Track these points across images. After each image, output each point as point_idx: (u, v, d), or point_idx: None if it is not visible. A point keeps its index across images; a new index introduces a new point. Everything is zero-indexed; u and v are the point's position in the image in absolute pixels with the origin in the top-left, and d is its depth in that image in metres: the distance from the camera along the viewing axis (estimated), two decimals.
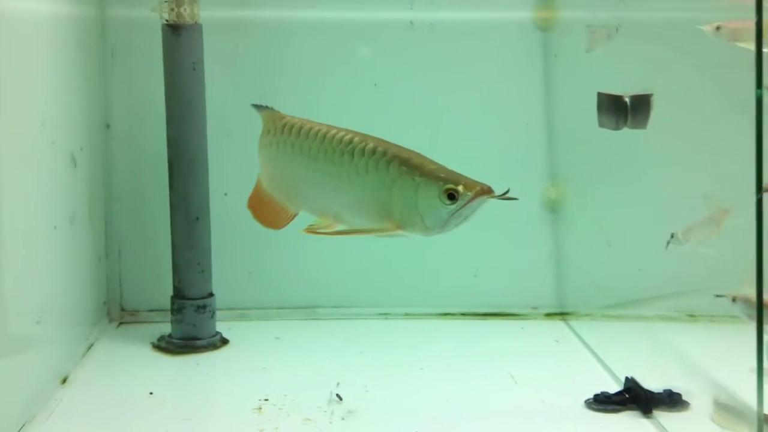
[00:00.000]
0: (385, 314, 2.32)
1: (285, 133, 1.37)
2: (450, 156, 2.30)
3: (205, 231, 2.02)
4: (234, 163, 2.18)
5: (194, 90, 1.96)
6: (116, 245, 2.24)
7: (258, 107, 1.47)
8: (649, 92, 1.59)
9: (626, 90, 1.66)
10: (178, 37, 1.94)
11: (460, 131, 2.27)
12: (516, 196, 1.21)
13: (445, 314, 2.33)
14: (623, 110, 1.60)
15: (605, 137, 1.92)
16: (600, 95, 1.62)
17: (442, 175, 1.20)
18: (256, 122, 2.27)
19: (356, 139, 1.28)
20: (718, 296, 1.37)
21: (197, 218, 1.99)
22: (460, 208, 1.18)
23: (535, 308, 2.35)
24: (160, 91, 2.00)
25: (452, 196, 1.18)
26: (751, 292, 1.24)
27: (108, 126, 2.21)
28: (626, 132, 1.76)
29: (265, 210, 1.45)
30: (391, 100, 2.27)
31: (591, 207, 2.28)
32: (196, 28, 1.96)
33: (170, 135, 1.99)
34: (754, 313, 1.26)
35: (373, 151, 1.25)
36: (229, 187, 2.19)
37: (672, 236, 1.73)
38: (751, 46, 1.19)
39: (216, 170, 2.07)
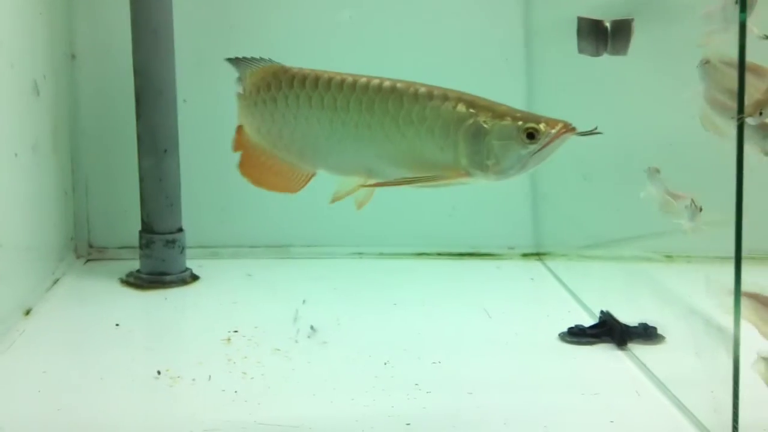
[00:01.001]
0: (360, 253, 2.29)
1: (296, 87, 1.20)
2: None
3: (174, 164, 1.96)
4: (206, 95, 2.13)
5: (161, 16, 1.89)
6: (83, 180, 2.18)
7: (252, 61, 1.26)
8: (629, 17, 1.55)
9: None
10: None
11: (439, 67, 2.22)
12: (600, 131, 1.14)
13: (421, 254, 2.30)
14: (603, 36, 1.55)
15: (584, 71, 1.88)
16: (580, 20, 1.57)
17: (518, 115, 1.12)
18: (225, 52, 2.22)
19: (399, 85, 1.15)
20: None
21: (165, 150, 1.94)
22: (542, 148, 1.11)
23: (511, 248, 2.33)
24: (127, 19, 1.93)
25: (532, 136, 1.10)
26: None
27: (73, 56, 2.13)
28: (606, 64, 1.72)
29: (271, 174, 1.29)
30: (366, 34, 2.20)
31: (569, 145, 2.23)
32: None
33: (136, 64, 1.92)
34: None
35: (430, 96, 1.14)
36: (201, 120, 2.13)
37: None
38: None
39: (187, 102, 2.01)
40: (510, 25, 2.24)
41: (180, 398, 1.35)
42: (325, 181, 2.22)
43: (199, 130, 2.13)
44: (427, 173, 1.16)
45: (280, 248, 2.26)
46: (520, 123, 1.10)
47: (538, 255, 2.30)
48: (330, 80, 1.19)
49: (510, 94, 2.19)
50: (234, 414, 1.28)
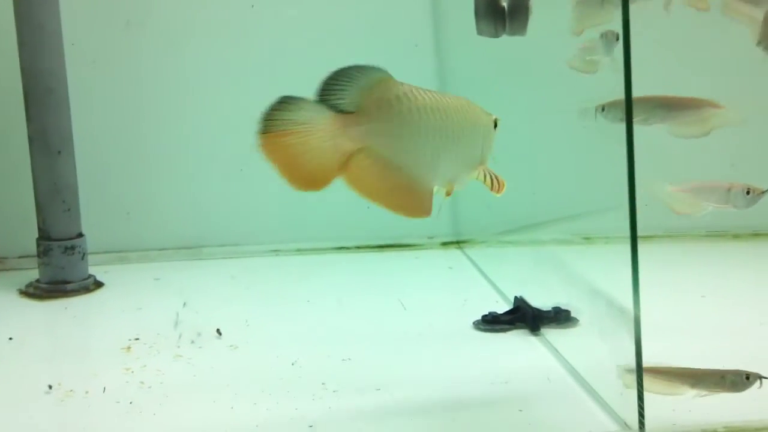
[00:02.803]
0: (276, 251, 2.22)
1: (418, 101, 1.13)
2: None
3: (69, 166, 1.86)
4: (103, 93, 2.04)
5: (46, 11, 1.79)
6: None
7: (367, 68, 1.14)
8: None
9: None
10: None
11: (347, 54, 2.16)
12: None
13: (340, 248, 2.25)
14: (501, 16, 1.51)
15: (493, 53, 1.84)
16: (477, 0, 1.53)
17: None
18: (125, 47, 2.12)
19: (436, 95, 1.15)
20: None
21: (59, 152, 1.84)
22: None
23: (431, 238, 2.30)
24: (12, 15, 1.82)
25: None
26: None
27: None
28: (515, 44, 1.69)
29: (413, 197, 1.15)
30: (269, 22, 2.13)
31: None
32: None
33: (24, 63, 1.82)
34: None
35: (467, 100, 1.20)
36: (98, 119, 2.04)
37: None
38: None
39: (81, 100, 1.92)
40: (418, 9, 2.19)
41: (70, 413, 1.26)
42: (239, 181, 2.16)
43: (97, 130, 2.04)
44: (471, 171, 1.22)
45: (191, 249, 2.18)
46: (494, 117, 1.23)
47: (458, 243, 2.27)
48: (427, 94, 1.15)
49: (421, 79, 2.17)
50: (126, 426, 1.21)
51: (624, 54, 1.14)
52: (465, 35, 2.09)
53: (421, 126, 1.12)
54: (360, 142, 1.09)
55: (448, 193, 1.22)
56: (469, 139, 1.18)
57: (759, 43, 1.26)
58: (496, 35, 1.52)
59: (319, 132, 1.07)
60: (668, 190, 1.42)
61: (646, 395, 1.14)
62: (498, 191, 1.28)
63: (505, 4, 1.50)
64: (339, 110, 1.08)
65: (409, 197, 1.15)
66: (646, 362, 1.17)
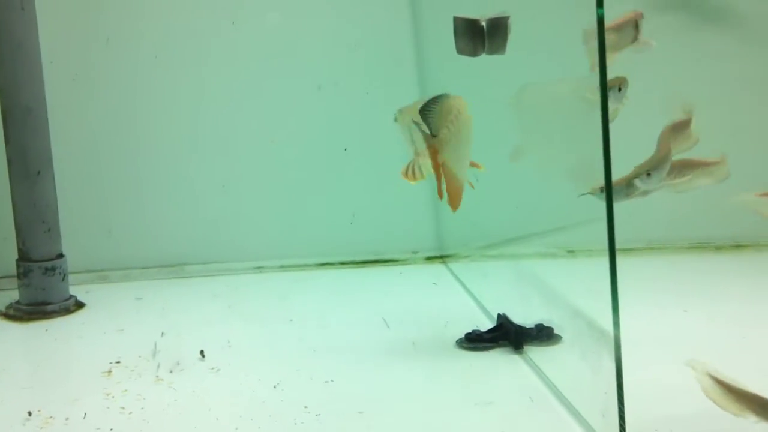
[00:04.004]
0: (259, 267, 2.21)
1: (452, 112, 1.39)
2: (322, 97, 2.20)
3: (49, 186, 1.85)
4: (83, 112, 2.02)
5: (25, 30, 1.78)
6: None
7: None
8: (505, 15, 1.51)
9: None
10: None
11: (329, 72, 2.17)
12: None
13: (323, 264, 2.24)
14: (480, 35, 1.51)
15: (473, 69, 1.85)
16: (456, 20, 1.52)
17: None
18: (105, 65, 2.11)
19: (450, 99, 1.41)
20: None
21: (38, 172, 1.82)
22: None
23: (415, 252, 2.29)
24: None
25: None
26: None
27: None
28: (496, 61, 1.69)
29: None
30: (250, 39, 2.13)
31: None
32: None
33: (2, 82, 1.80)
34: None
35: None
36: (78, 138, 2.03)
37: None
38: None
39: (61, 118, 1.91)
40: (400, 27, 2.19)
41: None
42: (221, 198, 2.15)
43: (77, 148, 2.03)
44: None
45: (173, 267, 2.17)
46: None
47: (442, 258, 2.27)
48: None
49: (404, 95, 2.17)
50: None
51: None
52: (445, 53, 2.10)
53: (458, 132, 1.38)
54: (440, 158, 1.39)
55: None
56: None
57: (648, 173, 1.29)
58: (475, 54, 1.52)
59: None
60: (754, 198, 1.42)
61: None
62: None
63: (484, 23, 1.50)
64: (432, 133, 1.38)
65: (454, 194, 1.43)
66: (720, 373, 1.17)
